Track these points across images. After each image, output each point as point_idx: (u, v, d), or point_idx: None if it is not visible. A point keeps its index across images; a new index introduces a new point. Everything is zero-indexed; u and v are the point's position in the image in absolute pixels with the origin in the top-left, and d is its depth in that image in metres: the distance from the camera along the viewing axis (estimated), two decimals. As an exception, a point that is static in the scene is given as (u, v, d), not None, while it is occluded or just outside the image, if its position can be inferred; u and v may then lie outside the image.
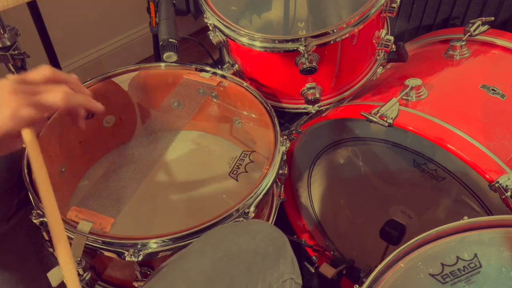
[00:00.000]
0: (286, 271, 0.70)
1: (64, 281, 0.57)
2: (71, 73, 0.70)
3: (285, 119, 1.45)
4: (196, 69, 1.06)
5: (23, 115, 0.60)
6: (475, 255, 0.69)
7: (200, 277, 0.64)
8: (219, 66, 1.08)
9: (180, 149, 1.09)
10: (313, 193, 1.25)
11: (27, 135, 0.63)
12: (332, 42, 0.93)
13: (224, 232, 0.71)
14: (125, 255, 0.73)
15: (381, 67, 1.11)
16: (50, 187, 0.62)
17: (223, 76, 1.05)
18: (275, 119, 0.94)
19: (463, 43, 1.09)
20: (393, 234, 1.03)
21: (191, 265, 0.66)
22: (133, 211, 0.91)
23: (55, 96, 0.63)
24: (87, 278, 0.80)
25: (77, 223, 0.75)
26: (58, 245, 0.58)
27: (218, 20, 0.99)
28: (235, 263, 0.66)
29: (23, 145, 0.65)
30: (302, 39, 0.91)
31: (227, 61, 1.10)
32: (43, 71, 0.65)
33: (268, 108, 0.97)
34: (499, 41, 1.11)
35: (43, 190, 0.62)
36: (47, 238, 0.83)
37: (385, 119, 0.88)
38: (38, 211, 0.78)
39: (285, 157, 0.92)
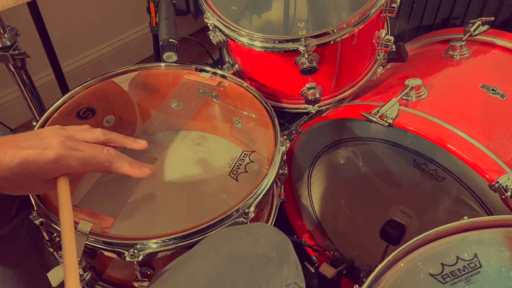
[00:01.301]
0: (289, 275, 0.69)
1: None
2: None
3: (285, 119, 1.45)
4: (196, 69, 1.06)
5: (66, 165, 0.62)
6: (475, 255, 0.69)
7: (203, 281, 0.64)
8: (219, 66, 1.08)
9: (180, 149, 1.09)
10: (313, 193, 1.25)
11: (62, 183, 0.64)
12: (332, 42, 0.93)
13: (227, 235, 0.71)
14: (125, 255, 0.73)
15: (381, 67, 1.11)
16: (74, 241, 0.61)
17: (223, 76, 1.05)
18: (275, 119, 0.94)
19: (463, 43, 1.09)
20: (393, 234, 1.03)
21: (194, 268, 0.66)
22: (133, 211, 0.91)
23: (102, 155, 0.66)
24: (87, 278, 0.79)
25: (77, 223, 0.75)
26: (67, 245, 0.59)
27: (218, 20, 0.99)
28: (239, 266, 0.66)
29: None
30: (302, 39, 0.91)
31: (227, 61, 1.10)
32: (97, 133, 0.69)
33: (268, 108, 0.97)
34: (499, 41, 1.11)
35: (68, 247, 0.61)
36: (47, 238, 0.83)
37: (385, 119, 0.88)
38: (38, 211, 0.78)
39: (285, 157, 0.91)
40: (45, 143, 0.62)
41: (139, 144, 0.78)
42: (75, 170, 0.64)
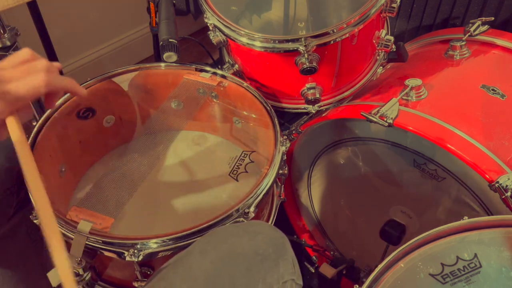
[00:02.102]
0: (286, 272, 0.70)
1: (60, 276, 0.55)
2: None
3: (285, 119, 1.45)
4: (196, 69, 1.06)
5: (4, 102, 0.57)
6: (475, 255, 0.69)
7: (200, 278, 0.65)
8: (219, 66, 1.08)
9: (180, 149, 1.09)
10: (313, 193, 1.25)
11: (11, 123, 0.59)
12: (332, 42, 0.93)
13: (224, 233, 0.71)
14: (125, 255, 0.73)
15: (381, 67, 1.11)
16: (40, 181, 0.57)
17: (223, 76, 1.05)
18: (275, 119, 0.94)
19: (463, 43, 1.09)
20: (393, 234, 1.03)
21: (192, 265, 0.66)
22: (133, 211, 0.91)
23: (37, 77, 0.59)
24: (87, 278, 0.79)
25: (77, 223, 0.75)
26: (51, 240, 0.55)
27: (218, 20, 0.99)
28: (236, 264, 0.66)
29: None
30: (302, 39, 0.91)
31: (227, 61, 1.10)
32: (22, 53, 0.61)
33: (268, 108, 0.97)
34: (499, 41, 1.11)
35: (32, 184, 0.57)
36: (47, 238, 0.83)
37: (385, 119, 0.88)
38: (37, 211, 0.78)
39: (285, 157, 0.92)
40: None
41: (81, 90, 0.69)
42: (16, 104, 0.58)
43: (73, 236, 0.74)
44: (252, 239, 0.69)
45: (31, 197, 0.58)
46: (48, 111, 0.94)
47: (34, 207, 0.79)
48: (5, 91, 0.57)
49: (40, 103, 1.22)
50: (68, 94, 0.97)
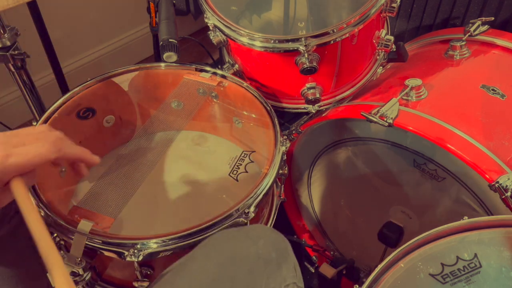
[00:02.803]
0: (288, 275, 0.70)
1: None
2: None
3: (285, 119, 1.45)
4: (196, 69, 1.06)
5: (12, 163, 0.57)
6: (475, 255, 0.69)
7: (203, 281, 0.65)
8: (219, 66, 1.08)
9: (180, 149, 1.09)
10: (313, 193, 1.25)
11: (16, 184, 0.59)
12: (332, 42, 0.93)
13: (226, 237, 0.71)
14: (125, 255, 0.73)
15: (381, 67, 1.11)
16: (50, 238, 0.59)
17: (223, 76, 1.05)
18: (275, 119, 0.94)
19: (463, 43, 1.09)
20: (391, 236, 1.03)
21: (195, 269, 0.67)
22: (133, 211, 0.91)
23: (47, 144, 0.60)
24: (87, 278, 0.79)
25: (77, 223, 0.75)
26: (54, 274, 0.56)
27: (218, 20, 0.99)
28: (238, 268, 0.66)
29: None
30: (302, 39, 0.91)
31: (227, 61, 1.10)
32: (39, 127, 0.64)
33: (268, 108, 0.97)
34: (499, 41, 1.11)
35: (41, 242, 0.58)
36: (47, 238, 0.83)
37: (385, 119, 0.88)
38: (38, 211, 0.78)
39: (285, 157, 0.92)
40: None
41: (93, 159, 0.70)
42: (25, 167, 0.59)
43: (73, 236, 0.74)
44: (255, 243, 0.69)
45: (42, 257, 0.59)
46: (48, 111, 0.93)
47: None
48: (11, 154, 0.58)
49: (40, 102, 1.22)
50: (68, 94, 0.97)
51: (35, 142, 0.60)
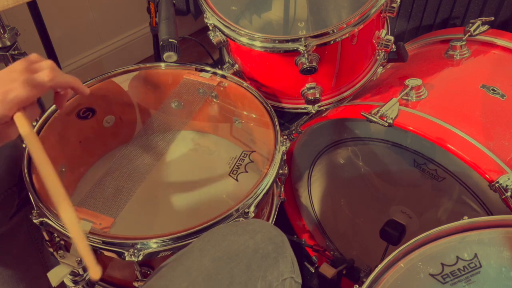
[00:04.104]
0: (286, 270, 0.70)
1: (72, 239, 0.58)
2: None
3: (285, 119, 1.45)
4: (196, 69, 1.06)
5: (12, 98, 0.60)
6: (475, 255, 0.69)
7: (200, 276, 0.65)
8: (219, 66, 1.08)
9: (180, 149, 1.09)
10: (313, 193, 1.25)
11: (20, 119, 0.62)
12: (332, 42, 0.93)
13: (223, 231, 0.71)
14: (125, 255, 0.73)
15: (381, 67, 1.11)
16: (52, 169, 0.61)
17: (223, 76, 1.05)
18: (275, 119, 0.94)
19: (463, 43, 1.09)
20: (393, 234, 1.03)
21: (191, 263, 0.67)
22: (133, 211, 0.91)
23: (42, 73, 0.63)
24: (87, 278, 0.80)
25: (77, 223, 0.75)
26: (60, 207, 0.59)
27: (218, 20, 0.99)
28: (235, 262, 0.66)
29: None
30: (302, 39, 0.91)
31: (227, 61, 1.10)
32: (29, 57, 0.65)
33: (268, 108, 0.97)
34: (499, 41, 1.11)
35: (45, 174, 0.61)
36: (47, 238, 0.83)
37: (385, 119, 0.88)
38: (38, 211, 0.78)
39: (285, 157, 0.92)
40: None
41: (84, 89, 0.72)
42: (26, 99, 0.62)
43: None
44: (252, 237, 0.69)
45: (46, 185, 0.61)
46: (48, 111, 0.94)
47: (34, 207, 0.79)
48: (11, 89, 0.60)
49: (40, 102, 1.22)
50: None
51: (31, 74, 0.63)
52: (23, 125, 0.62)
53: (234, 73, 1.07)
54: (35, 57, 0.66)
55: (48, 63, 0.65)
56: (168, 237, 0.74)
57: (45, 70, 0.63)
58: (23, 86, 0.61)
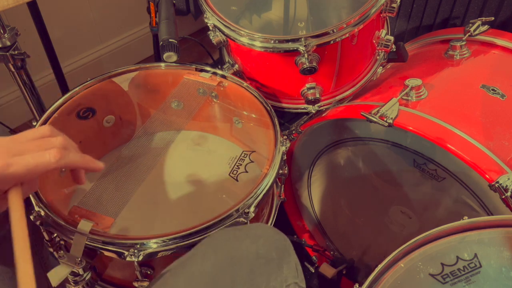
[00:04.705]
0: (289, 275, 0.69)
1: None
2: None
3: (285, 119, 1.45)
4: (196, 69, 1.06)
5: (11, 172, 0.56)
6: (475, 255, 0.69)
7: (202, 282, 0.64)
8: (219, 66, 1.08)
9: (180, 149, 1.09)
10: (313, 193, 1.25)
11: (13, 195, 0.57)
12: (332, 42, 0.93)
13: (226, 236, 0.71)
14: (125, 255, 0.73)
15: (381, 67, 1.11)
16: (30, 256, 0.58)
17: (223, 76, 1.05)
18: (275, 119, 0.94)
19: (463, 43, 1.09)
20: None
21: (194, 269, 0.66)
22: (133, 211, 0.91)
23: (49, 152, 0.58)
24: (87, 278, 0.79)
25: (77, 223, 0.75)
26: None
27: (218, 20, 0.99)
28: (238, 267, 0.66)
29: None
30: (302, 39, 0.91)
31: (227, 61, 1.10)
32: (41, 129, 0.62)
33: (268, 108, 0.97)
34: (499, 41, 1.11)
35: (20, 258, 0.58)
36: (47, 238, 0.83)
37: (385, 119, 0.88)
38: (38, 211, 0.78)
39: (285, 157, 0.92)
40: None
41: (97, 165, 0.68)
42: (24, 177, 0.58)
43: (73, 236, 0.74)
44: (254, 242, 0.69)
45: (17, 273, 0.58)
46: (48, 111, 0.93)
47: (34, 208, 0.79)
48: (12, 163, 0.56)
49: (40, 102, 1.22)
50: (68, 94, 0.97)
51: (36, 151, 0.58)
52: (14, 203, 0.57)
53: (234, 73, 1.07)
54: (47, 131, 0.62)
55: (59, 140, 0.61)
56: (168, 237, 0.74)
57: (53, 150, 0.59)
58: (26, 164, 0.57)
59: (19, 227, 0.57)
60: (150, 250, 0.73)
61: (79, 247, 0.73)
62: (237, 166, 1.01)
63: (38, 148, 0.59)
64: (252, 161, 1.02)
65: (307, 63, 0.92)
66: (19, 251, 0.57)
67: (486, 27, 1.13)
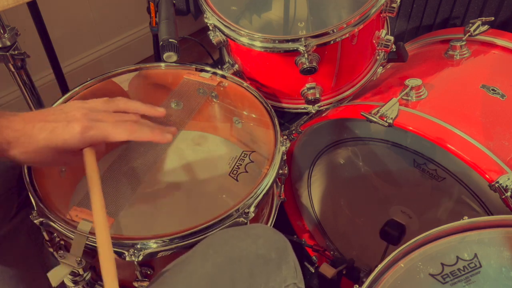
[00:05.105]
0: (288, 275, 0.69)
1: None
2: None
3: (285, 119, 1.45)
4: (196, 69, 1.06)
5: (91, 135, 0.65)
6: (475, 255, 0.69)
7: (202, 281, 0.64)
8: (219, 66, 1.08)
9: (180, 149, 1.09)
10: (313, 193, 1.25)
11: (89, 154, 0.66)
12: (332, 42, 0.93)
13: (225, 236, 0.71)
14: (125, 255, 0.73)
15: (381, 67, 1.11)
16: (104, 208, 0.65)
17: (223, 76, 1.05)
18: (275, 119, 0.94)
19: (463, 43, 1.09)
20: (393, 234, 1.03)
21: (193, 269, 0.66)
22: (133, 211, 0.91)
23: (120, 127, 0.67)
24: (87, 278, 0.79)
25: (77, 223, 0.75)
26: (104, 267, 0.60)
27: (218, 20, 0.99)
28: (237, 267, 0.66)
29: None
30: (302, 39, 0.91)
31: (227, 61, 1.10)
32: (116, 102, 0.71)
33: (268, 108, 0.97)
34: (499, 41, 1.11)
35: (97, 210, 0.65)
36: (47, 238, 0.83)
37: (385, 119, 0.88)
38: (38, 211, 0.78)
39: (285, 157, 0.92)
40: (69, 116, 0.66)
41: (157, 111, 0.79)
42: (100, 141, 0.67)
43: (73, 236, 0.74)
44: (254, 242, 0.69)
45: (94, 224, 0.66)
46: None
47: (34, 208, 0.79)
48: (92, 127, 0.66)
49: (40, 102, 1.22)
50: (68, 94, 0.97)
51: (112, 122, 0.67)
52: (90, 161, 0.67)
53: (234, 73, 1.07)
54: (122, 105, 0.72)
55: (132, 117, 0.71)
56: (168, 237, 0.74)
57: (128, 123, 0.69)
58: (103, 130, 0.66)
59: (94, 178, 0.67)
60: (150, 250, 0.73)
61: (79, 247, 0.73)
62: (237, 166, 1.01)
63: (114, 120, 0.68)
64: (252, 161, 1.02)
65: (307, 63, 0.92)
66: (95, 201, 0.66)
67: (486, 27, 1.13)
